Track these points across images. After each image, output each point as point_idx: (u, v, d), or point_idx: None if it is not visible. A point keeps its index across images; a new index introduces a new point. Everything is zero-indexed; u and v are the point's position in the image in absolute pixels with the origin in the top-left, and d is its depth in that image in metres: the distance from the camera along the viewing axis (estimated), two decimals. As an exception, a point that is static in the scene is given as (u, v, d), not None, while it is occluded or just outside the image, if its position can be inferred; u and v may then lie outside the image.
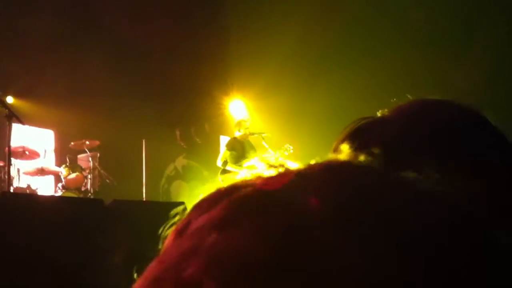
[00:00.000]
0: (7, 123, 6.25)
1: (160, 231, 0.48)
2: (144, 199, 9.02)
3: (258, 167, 0.44)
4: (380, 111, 0.85)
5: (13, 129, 6.50)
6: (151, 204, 7.32)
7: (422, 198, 0.39)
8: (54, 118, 9.57)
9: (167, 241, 0.43)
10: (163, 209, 6.66)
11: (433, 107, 0.82)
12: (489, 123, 0.79)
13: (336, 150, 0.79)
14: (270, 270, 0.34)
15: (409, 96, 0.87)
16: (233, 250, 0.36)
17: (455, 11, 9.29)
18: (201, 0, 11.34)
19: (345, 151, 0.47)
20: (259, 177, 0.42)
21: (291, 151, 8.29)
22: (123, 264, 5.10)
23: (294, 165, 0.44)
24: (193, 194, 10.24)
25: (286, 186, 0.39)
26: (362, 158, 0.45)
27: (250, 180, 0.42)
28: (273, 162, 0.44)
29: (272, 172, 0.43)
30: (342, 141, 0.79)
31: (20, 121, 6.36)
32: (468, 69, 9.33)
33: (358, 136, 0.78)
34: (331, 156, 0.45)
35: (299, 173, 0.41)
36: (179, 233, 0.41)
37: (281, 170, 0.43)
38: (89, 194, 8.52)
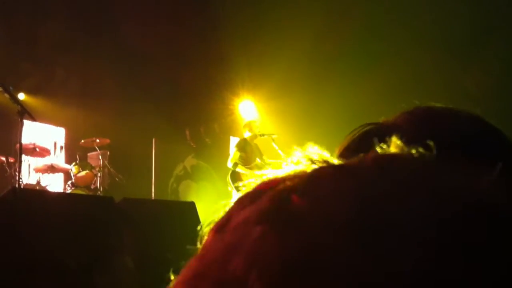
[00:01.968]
0: (19, 119, 6.26)
1: (198, 228, 0.46)
2: (153, 198, 9.03)
3: (301, 162, 0.43)
4: (383, 117, 0.84)
5: (24, 126, 6.52)
6: (160, 203, 7.33)
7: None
8: (65, 115, 9.61)
9: (207, 238, 0.41)
10: (173, 208, 6.68)
11: (441, 114, 0.81)
12: (498, 131, 0.79)
13: (341, 155, 0.79)
14: (318, 272, 0.33)
15: (416, 102, 0.86)
16: (279, 247, 0.34)
17: (465, 16, 9.25)
18: (211, 2, 11.36)
19: (394, 144, 0.45)
20: (303, 172, 0.40)
21: None
22: (133, 263, 5.10)
23: (335, 160, 0.42)
24: (201, 194, 10.25)
25: (334, 182, 0.37)
26: (414, 150, 0.43)
27: (294, 173, 0.40)
28: (315, 157, 0.43)
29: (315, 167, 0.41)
30: (348, 146, 0.79)
31: (32, 117, 6.38)
32: (478, 73, 9.30)
33: (368, 142, 0.78)
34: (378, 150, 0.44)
35: (347, 167, 0.39)
36: (220, 228, 0.40)
37: (323, 164, 0.41)
38: (98, 192, 8.54)
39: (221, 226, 0.40)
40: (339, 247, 0.34)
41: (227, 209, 0.42)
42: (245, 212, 0.38)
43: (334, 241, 0.34)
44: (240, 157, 8.29)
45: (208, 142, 11.46)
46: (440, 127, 0.76)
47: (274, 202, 0.37)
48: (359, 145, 0.76)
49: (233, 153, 8.40)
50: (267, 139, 8.54)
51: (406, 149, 0.43)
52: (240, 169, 8.24)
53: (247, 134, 8.48)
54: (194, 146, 11.32)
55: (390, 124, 0.79)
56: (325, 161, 0.41)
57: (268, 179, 0.41)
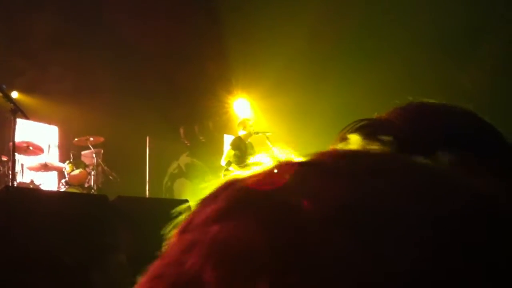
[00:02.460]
0: (12, 117, 6.24)
1: (164, 230, 0.47)
2: (147, 196, 9.02)
3: (265, 162, 0.43)
4: (376, 113, 0.84)
5: (18, 124, 6.49)
6: (155, 201, 7.31)
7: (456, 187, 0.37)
8: (58, 114, 9.57)
9: (173, 237, 0.42)
10: (167, 206, 6.66)
11: (435, 110, 0.80)
12: (493, 127, 0.78)
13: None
14: (269, 261, 0.33)
15: (410, 98, 0.86)
16: (232, 240, 0.35)
17: (460, 14, 9.28)
18: (206, 1, 11.35)
19: (354, 141, 0.45)
20: (259, 173, 0.41)
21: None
22: (127, 261, 5.09)
23: (301, 159, 0.43)
24: (196, 192, 10.24)
25: (291, 175, 0.38)
26: (375, 146, 0.43)
27: (250, 175, 0.41)
28: (280, 157, 0.43)
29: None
30: (341, 141, 0.79)
31: (25, 115, 6.35)
32: (473, 71, 9.34)
33: (361, 134, 0.77)
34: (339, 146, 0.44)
35: (306, 163, 0.40)
36: (183, 230, 0.41)
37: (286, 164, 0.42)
38: (92, 191, 8.52)
39: (184, 227, 0.41)
40: (335, 240, 0.33)
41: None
42: (205, 212, 0.39)
43: (327, 234, 0.33)
44: (235, 155, 8.29)
45: (202, 140, 11.45)
46: (434, 123, 0.75)
47: (228, 200, 0.38)
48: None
49: (227, 151, 8.40)
50: (262, 137, 8.55)
51: (366, 144, 0.43)
52: (232, 167, 8.24)
53: (241, 133, 8.49)
54: (189, 144, 11.31)
55: (383, 120, 0.78)
56: (289, 161, 0.42)
57: (228, 178, 0.42)
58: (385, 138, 0.45)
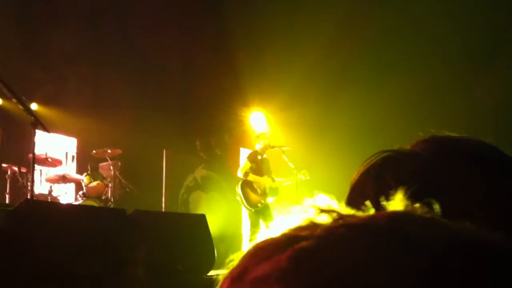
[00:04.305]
0: (32, 130, 6.29)
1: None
2: (163, 209, 9.05)
3: (308, 211, 0.44)
4: (398, 145, 0.85)
5: (37, 135, 6.55)
6: (172, 216, 7.34)
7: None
8: (77, 126, 9.66)
9: (222, 286, 0.43)
10: (184, 221, 6.69)
11: (459, 142, 0.82)
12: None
13: (359, 182, 0.79)
14: None
15: (432, 130, 0.87)
16: None
17: (479, 27, 9.25)
18: (222, 13, 11.40)
19: (399, 199, 0.46)
20: (316, 226, 0.41)
21: (308, 178, 8.23)
22: (144, 274, 5.11)
23: (342, 209, 0.44)
24: (211, 205, 10.25)
25: (347, 241, 0.39)
26: (418, 208, 0.44)
27: (307, 228, 0.41)
28: (323, 207, 0.44)
29: (325, 219, 0.42)
30: (366, 172, 0.79)
31: (45, 129, 6.41)
32: (490, 84, 9.29)
33: (388, 169, 0.78)
34: (391, 207, 0.45)
35: (361, 227, 0.40)
36: (237, 278, 0.41)
37: (334, 215, 0.42)
38: (109, 203, 8.57)
39: (238, 276, 0.41)
40: None
41: (241, 257, 0.43)
42: (263, 266, 0.39)
43: None
44: (251, 168, 8.30)
45: (218, 153, 11.47)
46: (459, 155, 0.77)
47: (292, 262, 0.38)
48: (379, 173, 0.77)
49: (244, 163, 8.41)
50: (278, 151, 8.54)
51: (409, 205, 0.44)
52: (250, 179, 8.23)
53: (258, 146, 8.49)
54: (204, 157, 11.33)
55: (408, 152, 0.80)
56: (333, 211, 0.43)
57: (281, 235, 0.42)
58: (430, 200, 0.47)
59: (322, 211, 0.43)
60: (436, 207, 0.46)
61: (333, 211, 0.43)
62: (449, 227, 0.40)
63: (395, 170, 0.76)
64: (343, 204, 0.46)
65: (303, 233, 0.41)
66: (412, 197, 0.46)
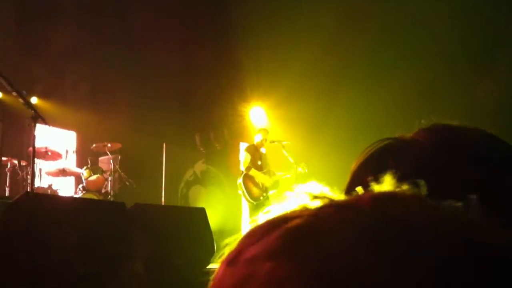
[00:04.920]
0: (32, 124, 6.30)
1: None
2: (163, 203, 9.06)
3: (301, 197, 0.45)
4: (397, 127, 0.85)
5: (37, 129, 6.55)
6: (172, 209, 7.36)
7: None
8: (76, 119, 9.66)
9: (218, 271, 0.44)
10: (184, 214, 6.71)
11: (460, 131, 0.82)
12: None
13: (358, 171, 0.80)
14: None
15: (433, 118, 0.87)
16: (288, 279, 0.37)
17: (478, 27, 9.25)
18: (221, 8, 11.40)
19: (388, 181, 0.48)
20: (307, 209, 0.43)
21: (306, 170, 8.27)
22: (143, 268, 5.13)
23: (334, 195, 0.45)
24: (211, 199, 10.27)
25: (336, 219, 0.40)
26: (406, 187, 0.45)
27: (299, 211, 0.43)
28: (316, 193, 0.45)
29: (317, 203, 0.44)
30: (365, 162, 0.80)
31: (45, 122, 6.41)
32: (490, 83, 9.29)
33: (390, 156, 0.78)
34: (375, 187, 0.46)
35: (348, 206, 0.42)
36: (231, 262, 0.42)
37: (325, 201, 0.44)
38: (109, 196, 8.58)
39: (232, 259, 0.42)
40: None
41: (237, 241, 0.44)
42: (255, 247, 0.41)
43: (318, 282, 0.37)
44: (251, 161, 8.33)
45: (218, 148, 11.49)
46: (460, 143, 0.77)
47: (281, 240, 0.40)
48: (379, 160, 0.77)
49: (245, 156, 8.44)
50: (278, 146, 8.56)
51: (399, 186, 0.45)
52: (252, 173, 8.26)
53: (258, 139, 8.51)
54: (204, 152, 11.35)
55: (409, 140, 0.80)
56: (326, 197, 0.44)
57: (273, 217, 0.43)
58: (419, 181, 0.48)
59: (315, 197, 0.45)
60: (423, 187, 0.46)
61: (325, 197, 0.44)
62: (429, 207, 0.41)
63: (396, 157, 0.77)
64: (335, 191, 0.47)
65: (294, 214, 0.42)
66: (403, 179, 0.47)
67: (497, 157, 0.76)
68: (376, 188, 0.47)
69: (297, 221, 0.41)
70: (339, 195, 0.45)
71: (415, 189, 0.44)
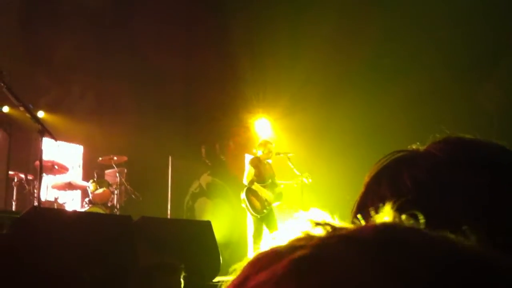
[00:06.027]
0: (40, 138, 6.33)
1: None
2: (169, 216, 9.07)
3: (303, 224, 0.47)
4: (414, 145, 0.86)
5: (43, 143, 6.58)
6: (178, 222, 7.36)
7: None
8: (83, 133, 9.70)
9: None
10: (190, 227, 6.72)
11: (473, 144, 0.83)
12: None
13: (371, 183, 0.80)
14: None
15: (447, 131, 0.88)
16: None
17: (482, 31, 9.26)
18: (225, 19, 11.45)
19: (387, 211, 0.50)
20: (311, 238, 0.45)
21: (310, 180, 8.28)
22: (150, 281, 5.13)
23: (337, 222, 0.48)
24: (216, 211, 10.26)
25: (338, 250, 0.42)
26: (404, 219, 0.48)
27: (304, 240, 0.45)
28: (318, 220, 0.48)
29: (320, 231, 0.46)
30: (379, 173, 0.80)
31: (53, 136, 6.45)
32: (494, 89, 9.30)
33: (404, 169, 0.79)
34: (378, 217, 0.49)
35: (351, 237, 0.44)
36: (238, 287, 0.44)
37: (328, 228, 0.46)
38: (115, 210, 8.60)
39: (239, 285, 0.44)
40: None
41: (242, 268, 0.46)
42: (262, 275, 0.42)
43: None
44: (254, 174, 8.32)
45: (223, 160, 11.49)
46: (474, 157, 0.78)
47: (288, 269, 0.41)
48: (394, 173, 0.78)
49: (248, 170, 8.43)
50: (283, 158, 8.56)
51: (397, 217, 0.47)
52: (255, 187, 8.27)
53: (260, 153, 8.51)
54: (210, 164, 11.35)
55: (423, 153, 0.80)
56: (327, 224, 0.47)
57: (279, 246, 0.45)
58: (417, 213, 0.50)
59: (317, 224, 0.47)
60: (421, 219, 0.48)
61: (327, 224, 0.47)
62: (430, 239, 0.43)
63: (410, 170, 0.77)
64: (336, 218, 0.50)
65: (299, 243, 0.44)
66: (406, 206, 0.49)
67: (509, 175, 0.77)
68: (377, 218, 0.49)
69: (303, 251, 0.43)
70: (340, 223, 0.47)
71: (413, 219, 0.47)
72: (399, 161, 0.80)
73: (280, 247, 0.45)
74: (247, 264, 0.46)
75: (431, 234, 0.44)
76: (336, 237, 0.44)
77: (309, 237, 0.45)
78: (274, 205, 8.34)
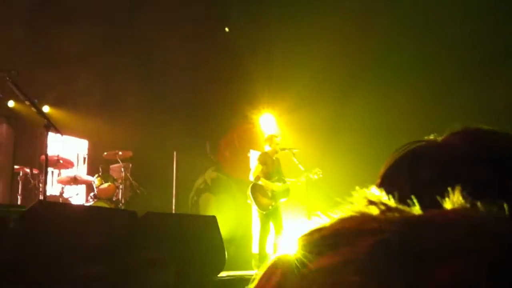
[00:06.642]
0: (45, 132, 6.35)
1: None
2: (174, 211, 9.07)
3: (357, 202, 0.44)
4: (432, 135, 0.84)
5: (49, 137, 6.60)
6: (183, 217, 7.36)
7: None
8: (88, 128, 9.71)
9: (270, 277, 0.42)
10: (195, 222, 6.71)
11: (493, 134, 0.81)
12: None
13: (388, 174, 0.78)
14: None
15: (458, 124, 0.86)
16: None
17: (490, 29, 9.24)
18: (233, 14, 11.43)
19: (456, 200, 0.47)
20: (381, 220, 0.41)
21: (321, 175, 8.27)
22: (155, 277, 5.14)
23: (390, 201, 0.44)
24: (221, 207, 10.27)
25: (430, 236, 0.39)
26: (484, 208, 0.44)
27: (372, 219, 0.41)
28: (372, 197, 0.44)
29: (374, 209, 0.43)
30: (397, 162, 0.78)
31: (58, 131, 6.47)
32: (503, 86, 9.27)
33: (421, 159, 0.78)
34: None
35: (439, 224, 0.40)
36: (293, 269, 0.40)
37: (382, 207, 0.43)
38: (120, 204, 8.61)
39: (295, 266, 0.40)
40: None
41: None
42: (331, 257, 0.39)
43: None
44: (262, 170, 8.31)
45: (228, 155, 11.49)
46: (493, 147, 0.76)
47: (371, 255, 0.38)
48: (411, 164, 0.76)
49: (255, 166, 8.42)
50: (288, 154, 8.54)
51: (468, 204, 0.44)
52: (261, 182, 8.27)
53: (267, 148, 8.49)
54: (214, 159, 11.35)
55: (441, 144, 0.79)
56: (383, 204, 0.43)
57: (338, 223, 0.42)
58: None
59: (371, 202, 0.44)
60: (505, 207, 0.44)
61: (382, 203, 0.43)
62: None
63: (428, 161, 0.76)
64: (390, 197, 0.46)
65: (372, 225, 0.40)
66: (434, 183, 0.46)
67: None
68: (446, 204, 0.46)
69: (386, 235, 0.39)
70: (391, 201, 0.44)
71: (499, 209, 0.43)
72: (416, 152, 0.79)
73: (341, 227, 0.41)
74: (299, 245, 0.42)
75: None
76: (420, 223, 0.40)
77: (378, 219, 0.41)
78: (281, 201, 8.33)
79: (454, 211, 0.43)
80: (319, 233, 0.42)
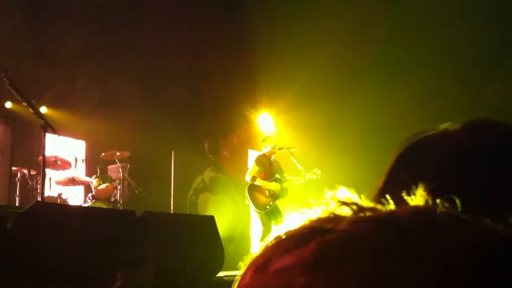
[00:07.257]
0: (42, 133, 6.34)
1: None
2: (172, 211, 9.07)
3: (329, 203, 0.44)
4: (441, 125, 0.84)
5: (46, 138, 6.59)
6: (181, 217, 7.36)
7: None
8: (86, 128, 9.70)
9: (245, 276, 0.42)
10: (193, 222, 6.72)
11: (493, 124, 0.81)
12: None
13: (392, 169, 0.78)
14: None
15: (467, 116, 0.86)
16: None
17: (488, 28, 9.24)
18: (230, 14, 11.42)
19: (419, 194, 0.47)
20: (338, 219, 0.41)
21: (319, 175, 8.27)
22: (154, 276, 5.13)
23: (364, 202, 0.44)
24: (219, 206, 10.26)
25: (371, 235, 0.39)
26: (439, 203, 0.44)
27: (330, 220, 0.41)
28: (343, 199, 0.44)
29: (346, 211, 0.43)
30: (399, 157, 0.78)
31: (55, 132, 6.45)
32: (500, 85, 9.29)
33: (423, 152, 0.77)
34: (414, 200, 0.45)
35: (383, 221, 0.40)
36: (259, 269, 0.41)
37: (354, 208, 0.43)
38: (118, 205, 8.60)
39: (261, 266, 0.41)
40: None
41: (263, 247, 0.43)
42: (287, 258, 0.39)
43: None
44: (259, 171, 8.32)
45: (226, 155, 11.49)
46: (495, 135, 0.76)
47: (316, 255, 0.38)
48: (413, 158, 0.77)
49: (252, 167, 8.42)
50: (286, 153, 8.54)
51: (430, 200, 0.44)
52: (258, 182, 8.27)
53: (265, 150, 8.50)
54: (213, 159, 11.35)
55: (442, 134, 0.79)
56: (353, 204, 0.44)
57: (304, 225, 0.42)
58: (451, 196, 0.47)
59: (343, 203, 0.44)
60: (457, 203, 0.45)
61: (353, 203, 0.43)
62: (469, 225, 0.40)
63: (431, 153, 0.76)
64: (362, 198, 0.46)
65: (327, 225, 0.41)
66: (436, 190, 0.46)
67: None
68: (410, 201, 0.46)
69: (333, 235, 0.40)
70: (365, 202, 0.44)
71: (450, 204, 0.43)
72: (418, 144, 0.78)
73: (304, 228, 0.42)
74: (269, 245, 0.43)
75: (469, 219, 0.41)
76: (367, 220, 0.41)
77: (337, 219, 0.42)
78: (276, 200, 8.33)
79: (404, 208, 0.43)
80: (286, 234, 0.42)
